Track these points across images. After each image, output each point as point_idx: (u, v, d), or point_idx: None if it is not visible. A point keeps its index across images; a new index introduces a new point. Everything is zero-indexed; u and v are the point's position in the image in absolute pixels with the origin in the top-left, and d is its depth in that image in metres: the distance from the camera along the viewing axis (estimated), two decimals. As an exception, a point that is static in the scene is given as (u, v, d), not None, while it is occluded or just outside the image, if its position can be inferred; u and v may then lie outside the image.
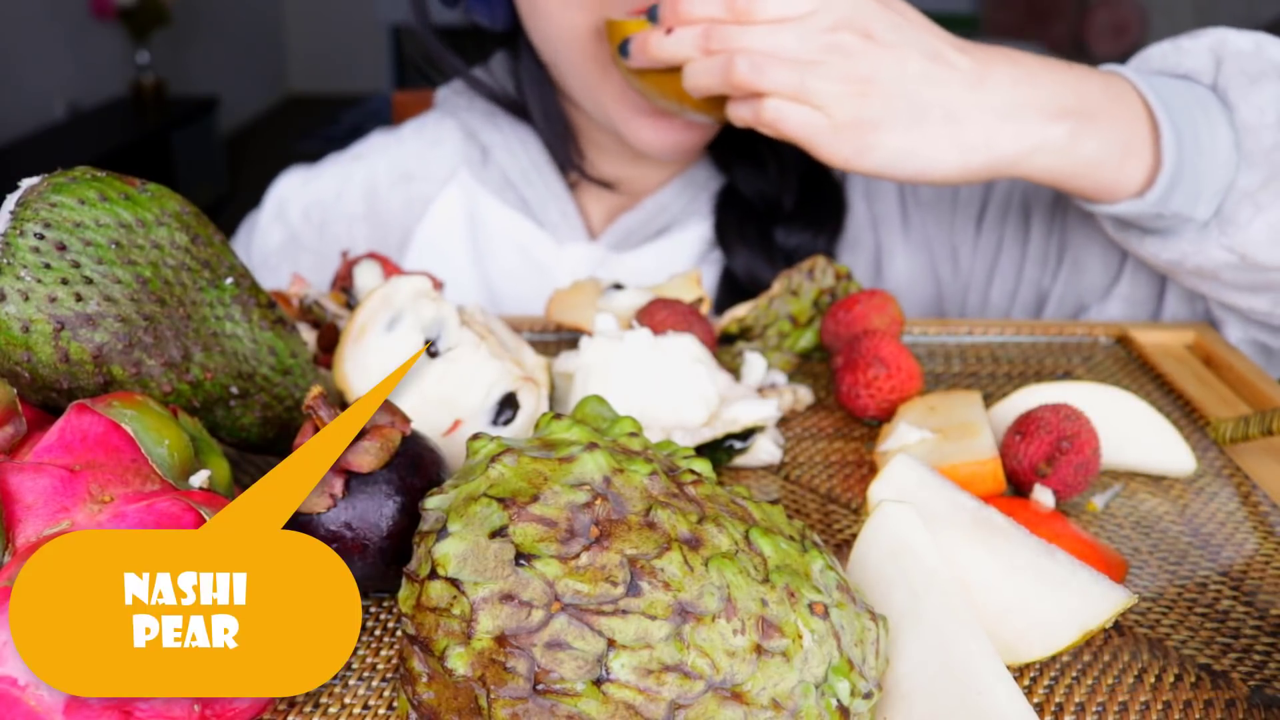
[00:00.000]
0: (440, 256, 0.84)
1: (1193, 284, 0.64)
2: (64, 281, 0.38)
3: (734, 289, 0.80)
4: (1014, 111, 0.55)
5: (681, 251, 0.82)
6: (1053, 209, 0.75)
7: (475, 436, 0.36)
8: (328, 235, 0.86)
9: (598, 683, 0.30)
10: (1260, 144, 0.56)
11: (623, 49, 0.61)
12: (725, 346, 0.63)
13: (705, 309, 0.64)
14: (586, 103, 0.74)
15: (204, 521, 0.34)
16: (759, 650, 0.31)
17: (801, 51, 0.54)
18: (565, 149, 0.80)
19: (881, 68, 0.54)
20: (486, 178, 0.83)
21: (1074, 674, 0.39)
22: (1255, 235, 0.57)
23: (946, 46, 0.55)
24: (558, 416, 0.37)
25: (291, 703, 0.38)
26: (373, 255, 0.62)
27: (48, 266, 0.38)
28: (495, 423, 0.49)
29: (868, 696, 0.33)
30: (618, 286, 0.65)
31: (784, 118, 0.55)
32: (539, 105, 0.80)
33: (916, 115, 0.55)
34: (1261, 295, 0.61)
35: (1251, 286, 0.61)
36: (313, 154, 0.90)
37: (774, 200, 0.80)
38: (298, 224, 0.86)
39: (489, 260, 0.84)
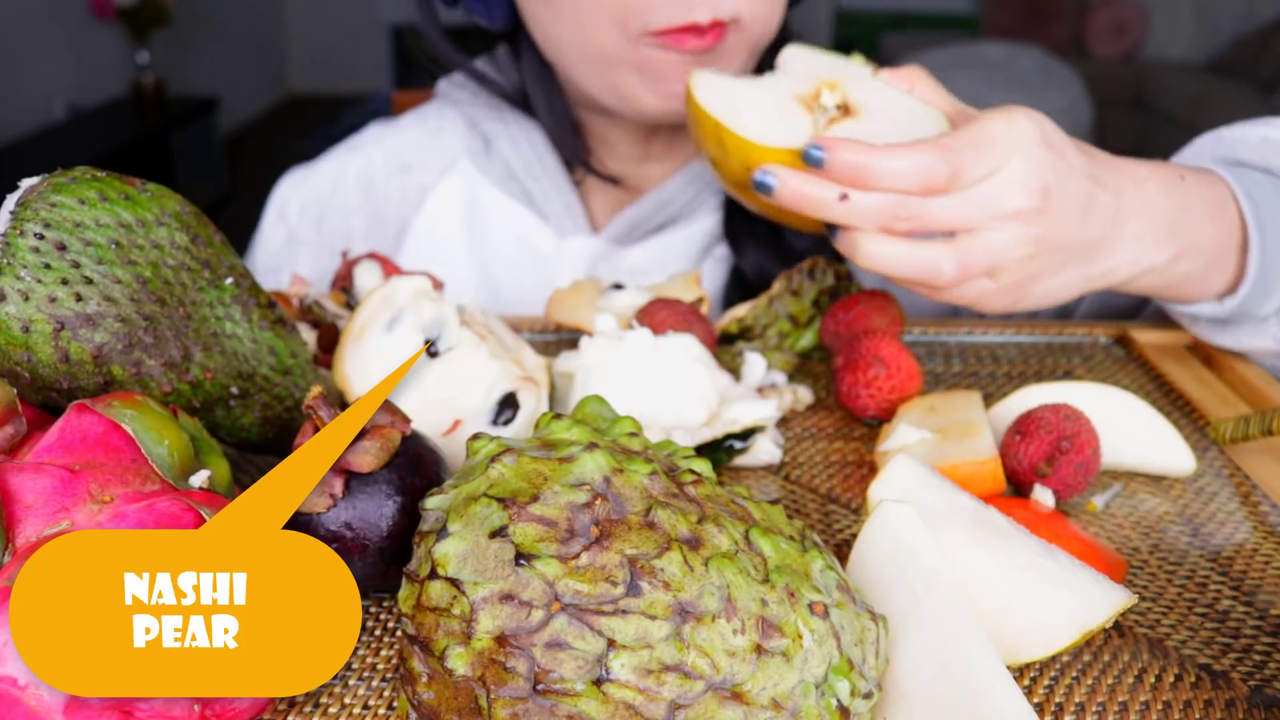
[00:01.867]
0: (438, 246, 0.84)
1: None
2: (64, 281, 0.38)
3: (743, 287, 0.80)
4: (1135, 242, 0.54)
5: (684, 246, 0.82)
6: None
7: (475, 436, 0.36)
8: (325, 228, 0.86)
9: (598, 683, 0.30)
10: None
11: (762, 186, 0.50)
12: (725, 346, 0.63)
13: (705, 309, 0.64)
14: (593, 89, 0.74)
15: (204, 521, 0.34)
16: (759, 650, 0.31)
17: (987, 222, 0.50)
18: (571, 145, 0.80)
19: (1052, 230, 0.51)
20: (489, 168, 0.83)
21: (1074, 674, 0.39)
22: None
23: (1094, 186, 0.52)
24: (558, 416, 0.37)
25: (291, 703, 0.38)
26: (373, 255, 0.62)
27: (48, 266, 0.38)
28: (495, 423, 0.49)
29: (868, 696, 0.33)
30: (618, 286, 0.65)
31: (961, 295, 0.52)
32: (544, 101, 0.80)
33: (1065, 261, 0.53)
34: None
35: None
36: (313, 154, 0.90)
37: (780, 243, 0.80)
38: (295, 221, 0.86)
39: (488, 250, 0.84)
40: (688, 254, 0.82)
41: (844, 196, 0.48)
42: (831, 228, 0.50)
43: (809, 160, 0.48)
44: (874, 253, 0.49)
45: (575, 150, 0.80)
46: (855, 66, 0.56)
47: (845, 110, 0.54)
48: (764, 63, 0.80)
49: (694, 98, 0.54)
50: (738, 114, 0.52)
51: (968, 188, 0.48)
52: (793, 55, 0.57)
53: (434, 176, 0.84)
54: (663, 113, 0.71)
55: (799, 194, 0.49)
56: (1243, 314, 0.59)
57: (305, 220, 0.86)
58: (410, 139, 0.86)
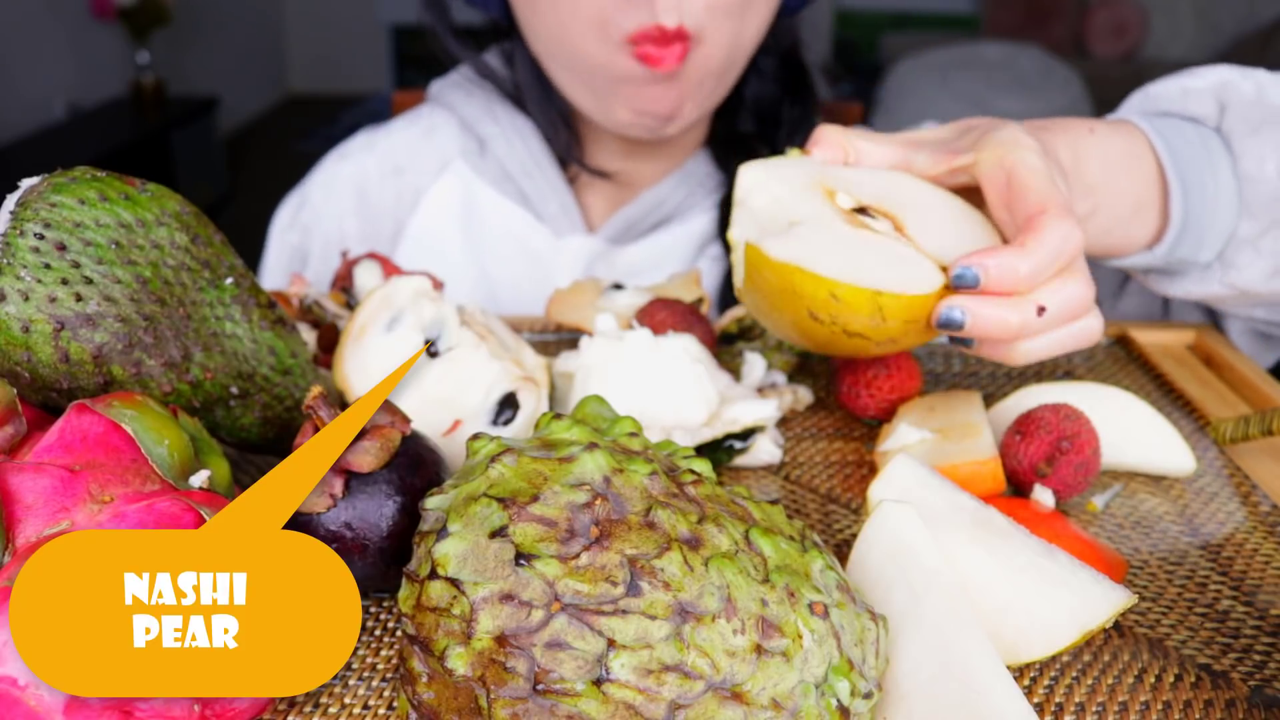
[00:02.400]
0: (433, 247, 0.84)
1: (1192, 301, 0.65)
2: (64, 281, 0.38)
3: None
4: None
5: (680, 245, 0.82)
6: None
7: (475, 436, 0.36)
8: (317, 233, 0.86)
9: (598, 683, 0.30)
10: (1259, 195, 0.57)
11: (951, 322, 0.45)
12: (725, 346, 0.63)
13: (705, 309, 0.64)
14: (572, 94, 0.74)
15: (204, 521, 0.34)
16: (759, 650, 0.31)
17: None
18: (564, 140, 0.80)
19: None
20: (484, 168, 0.83)
21: (1074, 674, 0.39)
22: (1254, 275, 0.58)
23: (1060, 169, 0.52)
24: (558, 416, 0.37)
25: (291, 703, 0.38)
26: (373, 255, 0.62)
27: (48, 266, 0.38)
28: (495, 423, 0.49)
29: (868, 696, 0.33)
30: (618, 286, 0.65)
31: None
32: (536, 95, 0.80)
33: None
34: (1258, 308, 0.63)
35: (1250, 305, 0.63)
36: (313, 154, 0.90)
37: None
38: (296, 240, 0.87)
39: (484, 251, 0.84)
40: (683, 253, 0.82)
41: (1042, 309, 0.45)
42: (966, 342, 0.47)
43: (963, 282, 0.45)
44: (1034, 350, 0.47)
45: (568, 146, 0.80)
46: (807, 161, 0.51)
47: (888, 216, 0.49)
48: (732, 97, 0.80)
49: (798, 270, 0.45)
50: (867, 270, 0.45)
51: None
52: (754, 179, 0.50)
53: (428, 178, 0.85)
54: (634, 128, 0.72)
55: (994, 319, 0.45)
56: (1181, 263, 0.59)
57: (305, 236, 0.87)
58: (402, 142, 0.86)
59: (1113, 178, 0.55)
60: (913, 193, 0.50)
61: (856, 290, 0.44)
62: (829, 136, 0.52)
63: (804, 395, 0.59)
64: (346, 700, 0.38)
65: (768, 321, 0.50)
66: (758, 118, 0.82)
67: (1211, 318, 0.70)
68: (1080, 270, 0.46)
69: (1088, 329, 0.48)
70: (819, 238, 0.47)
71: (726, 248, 0.80)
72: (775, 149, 0.80)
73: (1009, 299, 0.45)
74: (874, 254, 0.46)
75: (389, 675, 0.39)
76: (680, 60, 0.66)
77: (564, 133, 0.80)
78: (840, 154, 0.52)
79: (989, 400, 0.59)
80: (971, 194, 0.51)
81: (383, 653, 0.40)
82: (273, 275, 0.87)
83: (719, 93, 0.74)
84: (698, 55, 0.68)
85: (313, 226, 0.86)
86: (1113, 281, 0.74)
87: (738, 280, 0.50)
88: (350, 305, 0.60)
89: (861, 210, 0.49)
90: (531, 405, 0.50)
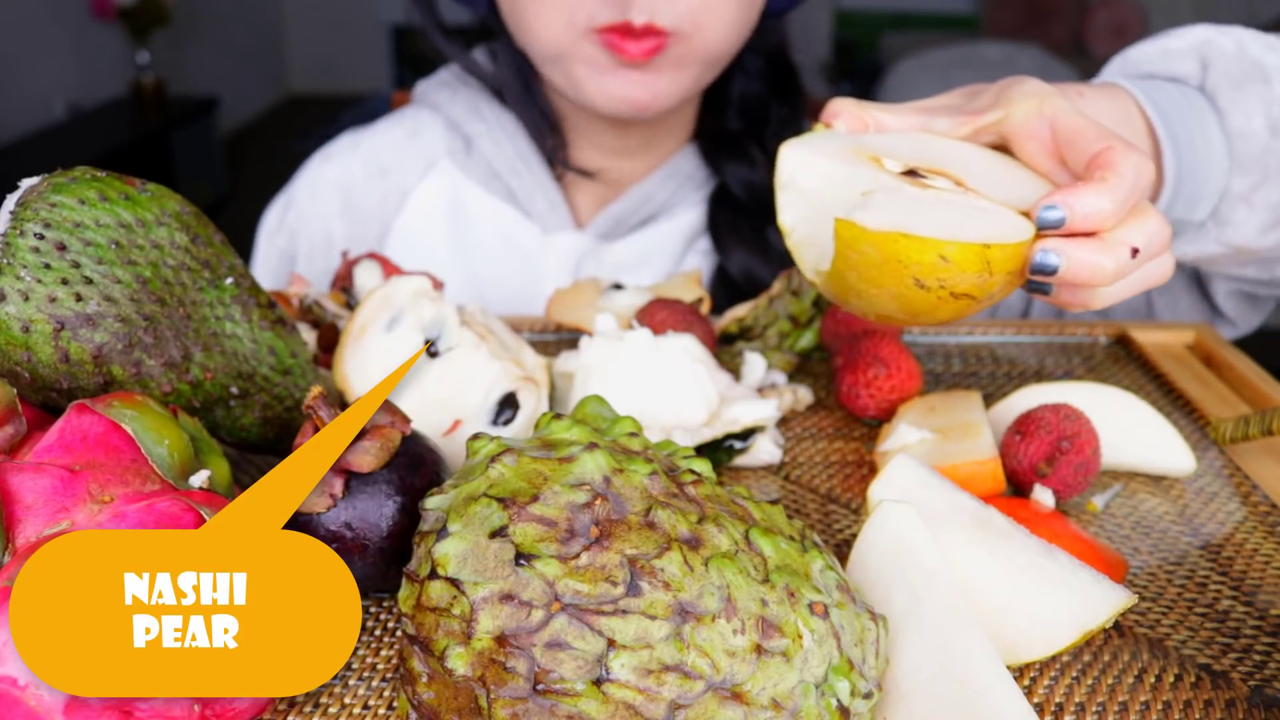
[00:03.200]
0: (420, 247, 0.84)
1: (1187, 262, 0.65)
2: (64, 281, 0.38)
3: (729, 287, 0.80)
4: None
5: (668, 240, 0.82)
6: None
7: (475, 436, 0.36)
8: (303, 236, 0.86)
9: (598, 683, 0.30)
10: (1250, 149, 0.57)
11: (1044, 267, 0.43)
12: (725, 346, 0.63)
13: (705, 309, 0.64)
14: (552, 78, 0.74)
15: (204, 521, 0.34)
16: (759, 650, 0.31)
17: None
18: (549, 137, 0.81)
19: None
20: (470, 167, 0.83)
21: (1074, 674, 0.39)
22: (1248, 231, 0.58)
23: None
24: (558, 416, 0.37)
25: (291, 703, 0.38)
26: (372, 255, 0.62)
27: (48, 266, 0.38)
28: (495, 423, 0.49)
29: (868, 696, 0.33)
30: (618, 286, 0.65)
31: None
32: (519, 92, 0.80)
33: None
34: (1249, 266, 0.63)
35: (1241, 263, 0.63)
36: (313, 154, 0.90)
37: (764, 195, 0.80)
38: (284, 244, 0.87)
39: (472, 249, 0.84)
40: (672, 248, 0.83)
41: (1135, 250, 0.43)
42: (1044, 288, 0.46)
43: (1048, 224, 0.44)
44: (1116, 292, 0.46)
45: (554, 143, 0.80)
46: (836, 134, 0.50)
47: (943, 174, 0.48)
48: (719, 80, 0.80)
49: (905, 237, 0.43)
50: (965, 227, 0.44)
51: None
52: (798, 159, 0.49)
53: (413, 178, 0.85)
54: (607, 109, 0.72)
55: (1089, 263, 0.43)
56: (1176, 222, 0.59)
57: (292, 240, 0.87)
58: (386, 143, 0.86)
59: None
60: (950, 150, 0.49)
61: (966, 248, 0.42)
62: (846, 108, 0.51)
63: (804, 395, 0.59)
64: (346, 700, 0.38)
65: (859, 301, 0.47)
66: (744, 116, 0.82)
67: (1196, 281, 0.70)
68: (1152, 206, 0.45)
69: (1163, 266, 0.46)
70: (901, 203, 0.45)
71: (715, 242, 0.80)
72: (763, 147, 0.80)
73: (1101, 241, 0.44)
74: (960, 212, 0.45)
75: (389, 675, 0.39)
76: (649, 54, 0.67)
77: (547, 130, 0.81)
78: (859, 124, 0.51)
79: (989, 400, 0.59)
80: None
81: (383, 653, 0.40)
82: (262, 279, 0.87)
83: (705, 79, 0.74)
84: (676, 52, 0.68)
85: (299, 229, 0.86)
86: None
87: (808, 267, 0.48)
88: (350, 305, 0.60)
89: (912, 173, 0.48)
90: (531, 405, 0.50)
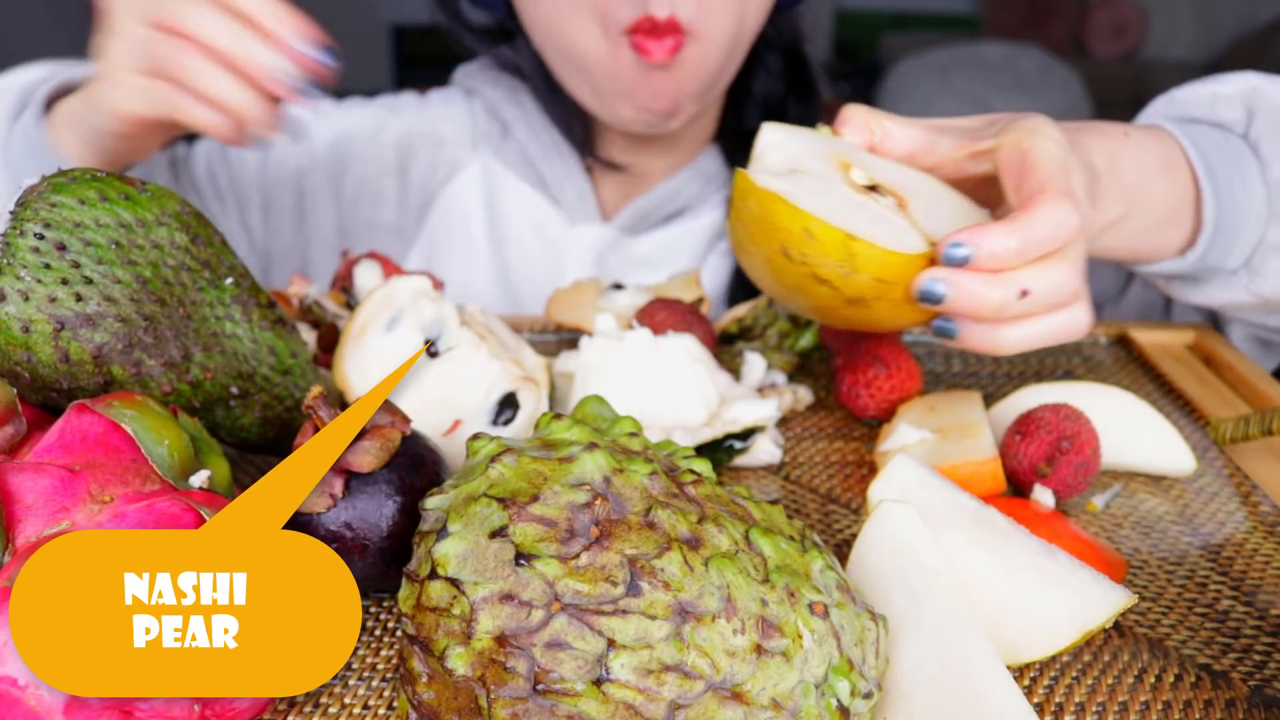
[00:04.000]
0: (460, 226, 0.85)
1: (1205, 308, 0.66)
2: (64, 281, 0.38)
3: (747, 288, 0.81)
4: (1098, 199, 0.54)
5: (692, 238, 0.83)
6: None
7: (475, 436, 0.36)
8: (350, 176, 0.85)
9: (598, 683, 0.30)
10: None
11: (931, 296, 0.44)
12: (725, 346, 0.63)
13: (705, 309, 0.64)
14: (574, 91, 0.75)
15: (204, 521, 0.34)
16: (759, 650, 0.31)
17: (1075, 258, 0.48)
18: (577, 131, 0.81)
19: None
20: (505, 153, 0.84)
21: (1074, 674, 0.39)
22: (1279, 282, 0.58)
23: (1088, 169, 0.51)
24: (558, 416, 0.37)
25: (291, 703, 0.38)
26: (372, 255, 0.62)
27: (48, 266, 0.38)
28: (495, 423, 0.49)
29: (868, 696, 0.33)
30: (618, 286, 0.65)
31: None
32: (543, 94, 0.81)
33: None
34: (1273, 316, 0.63)
35: (1266, 313, 0.63)
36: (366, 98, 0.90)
37: None
38: (322, 152, 0.85)
39: (505, 234, 0.84)
40: (695, 246, 0.83)
41: (1025, 292, 0.44)
42: (946, 327, 0.47)
43: (952, 259, 0.44)
44: (1019, 338, 0.46)
45: (582, 135, 0.81)
46: (834, 140, 0.51)
47: (894, 195, 0.49)
48: (741, 79, 0.81)
49: (780, 200, 0.44)
50: (851, 221, 0.45)
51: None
52: (774, 139, 0.50)
53: (466, 154, 0.85)
54: (635, 124, 0.73)
55: (974, 294, 0.44)
56: (1209, 269, 0.59)
57: (332, 155, 0.85)
58: (440, 115, 0.86)
59: (1148, 182, 0.55)
60: (925, 185, 0.50)
61: (830, 229, 0.44)
62: (857, 116, 0.52)
63: (804, 395, 0.59)
64: (346, 700, 0.38)
65: (745, 259, 0.49)
66: (764, 114, 0.82)
67: (1212, 321, 0.70)
68: (1072, 259, 0.45)
69: (1074, 321, 0.47)
70: (814, 187, 0.46)
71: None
72: None
73: (992, 276, 0.44)
74: (863, 213, 0.46)
75: (389, 675, 0.39)
76: (672, 54, 0.67)
77: (576, 125, 0.81)
78: (867, 134, 0.52)
79: (989, 400, 0.59)
80: (993, 185, 0.51)
81: (383, 653, 0.40)
82: (279, 157, 0.85)
83: (718, 87, 0.75)
84: (693, 50, 0.68)
85: (341, 151, 0.85)
86: (1115, 283, 0.75)
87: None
88: (350, 305, 0.60)
89: (872, 188, 0.49)
90: (531, 405, 0.50)
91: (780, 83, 0.83)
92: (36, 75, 0.67)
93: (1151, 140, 0.57)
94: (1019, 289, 0.44)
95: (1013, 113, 0.52)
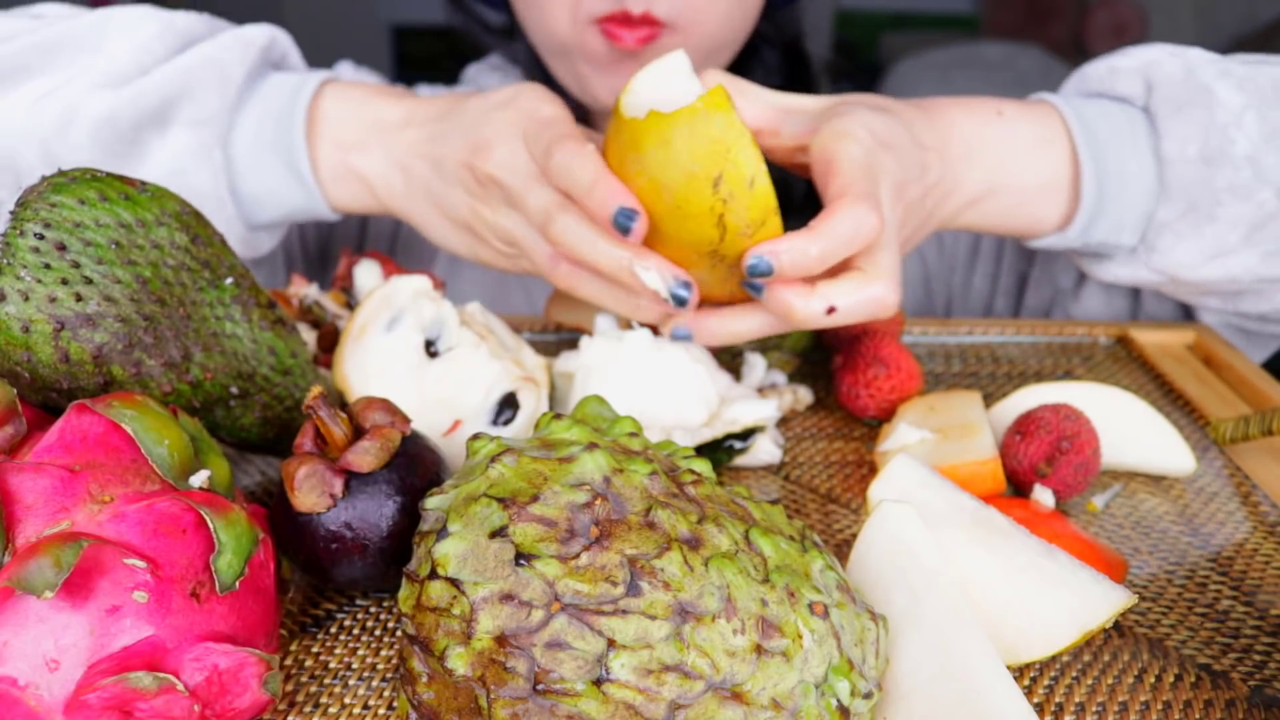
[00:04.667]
0: None
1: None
2: (64, 281, 0.38)
3: None
4: (956, 180, 0.56)
5: None
6: None
7: (475, 436, 0.36)
8: None
9: (598, 683, 0.30)
10: (1179, 178, 0.57)
11: (755, 268, 0.47)
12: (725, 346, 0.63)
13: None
14: (560, 78, 0.75)
15: (204, 521, 0.34)
16: (759, 650, 0.31)
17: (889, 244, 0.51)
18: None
19: (909, 214, 0.54)
20: None
21: (1074, 674, 0.39)
22: (1179, 259, 0.59)
23: (922, 154, 0.54)
24: (558, 416, 0.37)
25: (292, 703, 0.38)
26: (372, 254, 0.62)
27: (48, 266, 0.38)
28: (495, 423, 0.49)
29: (868, 696, 0.33)
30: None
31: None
32: (541, 83, 0.81)
33: (919, 227, 0.56)
34: (1209, 298, 0.64)
35: (1193, 295, 0.63)
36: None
37: (781, 189, 0.80)
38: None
39: None
40: None
41: (831, 309, 0.48)
42: (757, 288, 0.49)
43: (757, 272, 0.47)
44: (814, 312, 0.48)
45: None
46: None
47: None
48: (736, 68, 0.80)
49: (751, 138, 0.46)
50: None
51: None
52: (649, 77, 0.51)
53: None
54: (608, 103, 0.72)
55: (787, 306, 0.48)
56: (1103, 245, 0.60)
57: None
58: None
59: (1014, 159, 0.57)
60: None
61: (769, 191, 0.47)
62: (718, 77, 0.54)
63: (804, 395, 0.59)
64: (346, 700, 0.38)
65: (643, 156, 0.48)
66: None
67: (1188, 317, 0.71)
68: (880, 271, 0.48)
69: (870, 299, 0.49)
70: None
71: None
72: None
73: (806, 290, 0.48)
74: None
75: (389, 675, 0.39)
76: (643, 43, 0.67)
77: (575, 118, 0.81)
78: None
79: (989, 400, 0.59)
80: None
81: (383, 653, 0.40)
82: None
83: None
84: (671, 42, 0.68)
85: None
86: (1074, 274, 0.75)
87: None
88: (350, 305, 0.60)
89: None
90: (531, 405, 0.50)
91: (778, 79, 0.82)
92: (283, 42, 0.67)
93: (1027, 118, 0.58)
94: (826, 306, 0.48)
95: (858, 97, 0.55)
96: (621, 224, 0.48)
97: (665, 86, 0.50)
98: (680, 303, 0.49)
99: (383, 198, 0.62)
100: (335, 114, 0.62)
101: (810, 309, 0.48)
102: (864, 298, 0.48)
